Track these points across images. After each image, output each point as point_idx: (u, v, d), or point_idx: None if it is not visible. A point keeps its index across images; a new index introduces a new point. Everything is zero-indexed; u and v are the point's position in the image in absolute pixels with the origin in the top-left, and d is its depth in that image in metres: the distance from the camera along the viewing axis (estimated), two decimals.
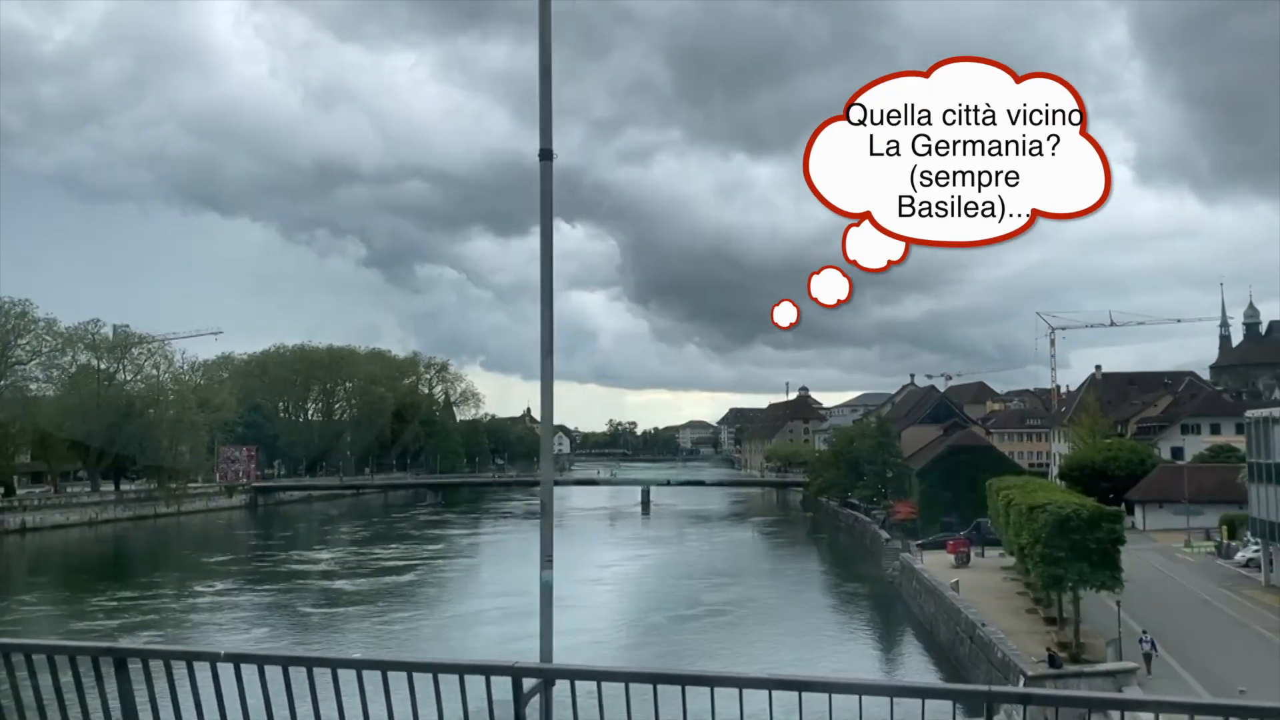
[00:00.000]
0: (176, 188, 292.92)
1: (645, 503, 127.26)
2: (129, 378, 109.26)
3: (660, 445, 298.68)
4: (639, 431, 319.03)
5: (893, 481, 79.68)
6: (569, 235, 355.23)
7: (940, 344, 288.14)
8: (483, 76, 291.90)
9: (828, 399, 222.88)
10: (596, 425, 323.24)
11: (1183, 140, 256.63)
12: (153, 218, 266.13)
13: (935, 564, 57.10)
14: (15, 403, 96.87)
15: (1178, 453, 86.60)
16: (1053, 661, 30.74)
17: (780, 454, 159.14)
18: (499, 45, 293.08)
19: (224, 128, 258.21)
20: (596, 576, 67.62)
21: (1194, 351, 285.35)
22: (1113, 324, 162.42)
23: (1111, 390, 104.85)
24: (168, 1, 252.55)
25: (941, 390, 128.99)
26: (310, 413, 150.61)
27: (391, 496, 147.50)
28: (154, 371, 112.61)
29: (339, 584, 65.97)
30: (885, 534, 70.48)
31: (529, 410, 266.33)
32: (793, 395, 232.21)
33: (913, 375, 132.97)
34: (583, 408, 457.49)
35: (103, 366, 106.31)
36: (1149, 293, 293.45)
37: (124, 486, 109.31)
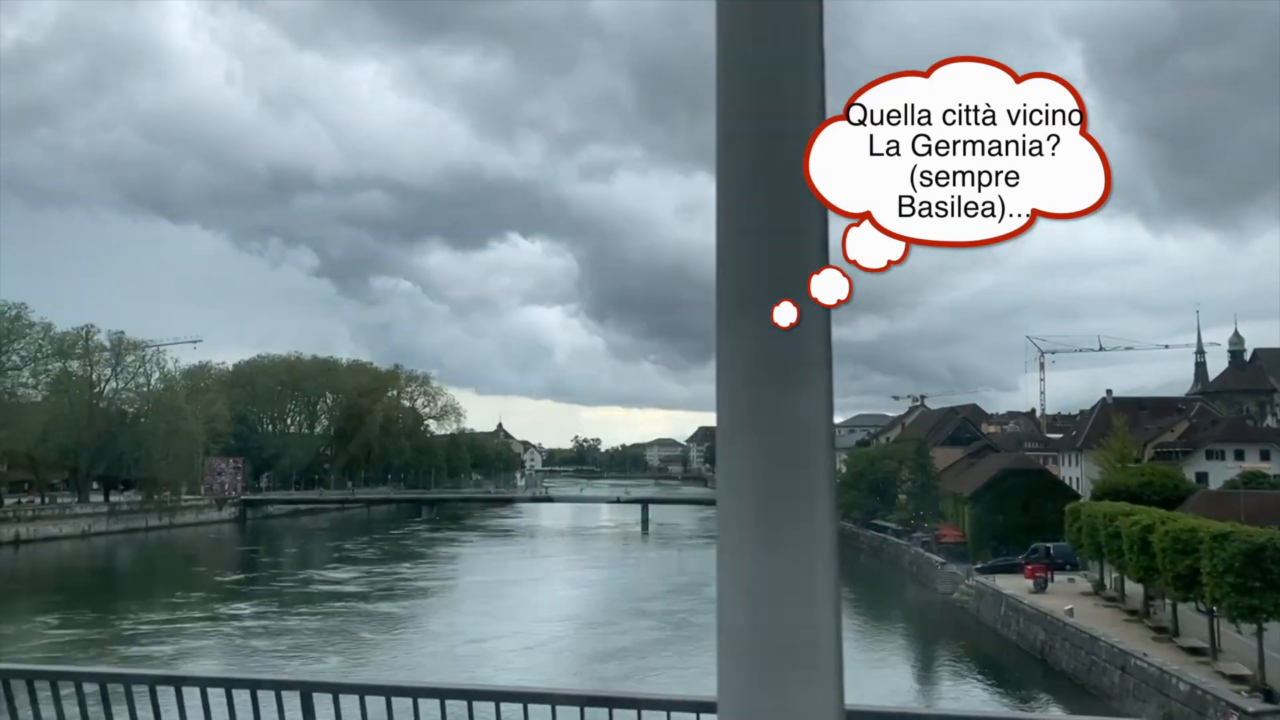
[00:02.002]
0: (127, 193, 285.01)
1: (645, 520, 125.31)
2: (121, 386, 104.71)
3: (628, 462, 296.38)
4: (603, 448, 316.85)
5: (930, 504, 78.90)
6: (526, 250, 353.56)
7: (892, 366, 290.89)
8: (446, 88, 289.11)
9: None
10: (551, 441, 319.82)
11: (1132, 171, 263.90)
12: (102, 223, 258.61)
13: (1010, 588, 56.08)
14: (9, 409, 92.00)
15: (1202, 478, 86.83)
16: (1270, 697, 29.61)
17: None
18: (463, 57, 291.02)
19: (178, 133, 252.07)
20: (690, 607, 65.35)
21: (1143, 378, 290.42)
22: (1101, 349, 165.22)
23: (1121, 415, 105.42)
24: (124, 3, 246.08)
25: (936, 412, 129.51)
26: (293, 424, 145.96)
27: (374, 511, 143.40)
28: (143, 380, 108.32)
29: (383, 607, 62.96)
30: (938, 558, 69.51)
31: (501, 425, 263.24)
32: None
33: (923, 396, 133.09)
34: (538, 424, 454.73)
35: (97, 374, 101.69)
36: (1098, 318, 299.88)
37: (113, 498, 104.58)
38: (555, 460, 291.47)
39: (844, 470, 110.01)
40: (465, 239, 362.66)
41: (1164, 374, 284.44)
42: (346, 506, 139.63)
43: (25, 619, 57.49)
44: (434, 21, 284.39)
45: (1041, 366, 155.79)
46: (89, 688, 5.08)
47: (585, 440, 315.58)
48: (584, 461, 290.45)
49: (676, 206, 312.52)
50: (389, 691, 4.61)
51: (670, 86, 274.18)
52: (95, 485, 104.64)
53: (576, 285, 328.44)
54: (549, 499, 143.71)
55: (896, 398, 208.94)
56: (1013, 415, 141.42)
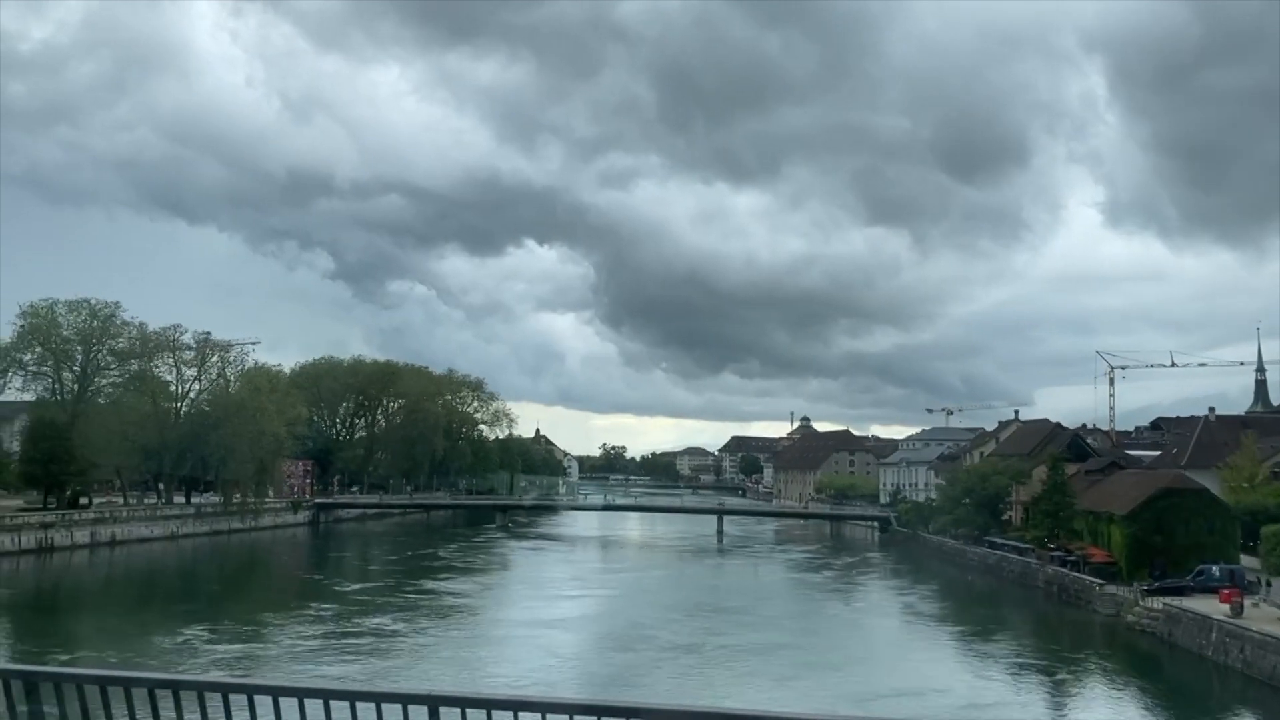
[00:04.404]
0: (145, 193, 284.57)
1: (720, 531, 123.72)
2: (204, 386, 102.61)
3: (660, 471, 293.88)
4: (628, 456, 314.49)
5: (1065, 521, 76.87)
6: (542, 256, 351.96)
7: (907, 378, 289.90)
8: (468, 94, 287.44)
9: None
10: (572, 447, 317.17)
11: (1152, 187, 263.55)
12: (119, 222, 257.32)
13: (1215, 613, 53.80)
14: (96, 410, 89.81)
15: None
16: None
17: (834, 485, 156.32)
18: (488, 63, 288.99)
19: (197, 134, 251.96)
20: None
21: (1158, 394, 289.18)
22: (1174, 364, 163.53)
23: (1225, 433, 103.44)
24: (148, 4, 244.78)
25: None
26: (355, 428, 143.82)
27: (433, 517, 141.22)
28: (223, 382, 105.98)
29: (533, 620, 60.69)
30: (1093, 579, 67.40)
31: (538, 430, 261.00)
32: (796, 425, 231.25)
33: (1017, 410, 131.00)
34: (550, 430, 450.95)
35: (181, 374, 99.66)
36: (1114, 334, 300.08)
37: (193, 499, 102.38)
38: (584, 468, 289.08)
39: (944, 485, 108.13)
40: (482, 244, 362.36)
41: (1177, 391, 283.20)
42: (408, 512, 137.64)
43: (172, 630, 54.84)
44: (458, 26, 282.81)
45: (1111, 381, 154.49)
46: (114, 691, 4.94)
47: (612, 448, 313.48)
48: (613, 469, 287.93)
49: (694, 215, 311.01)
50: (379, 699, 4.61)
51: (691, 94, 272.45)
52: (184, 486, 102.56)
53: (592, 292, 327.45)
54: (614, 507, 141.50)
55: (931, 410, 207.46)
56: (1062, 429, 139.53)
